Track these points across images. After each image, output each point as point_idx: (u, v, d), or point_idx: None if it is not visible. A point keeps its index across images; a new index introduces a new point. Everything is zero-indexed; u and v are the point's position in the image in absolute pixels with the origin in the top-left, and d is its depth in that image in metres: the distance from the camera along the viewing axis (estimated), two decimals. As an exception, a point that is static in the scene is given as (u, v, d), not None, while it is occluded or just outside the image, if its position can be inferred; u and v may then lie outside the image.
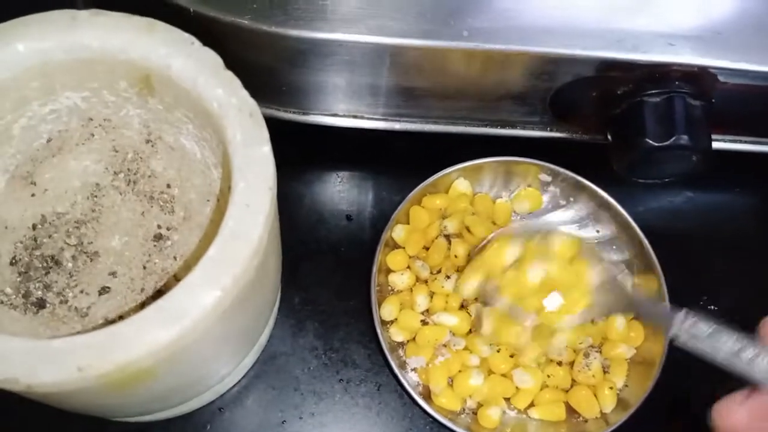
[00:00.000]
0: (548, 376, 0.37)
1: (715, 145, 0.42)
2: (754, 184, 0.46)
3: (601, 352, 0.38)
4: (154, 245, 0.32)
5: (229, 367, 0.33)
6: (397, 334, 0.38)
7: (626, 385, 0.37)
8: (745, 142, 0.42)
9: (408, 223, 0.40)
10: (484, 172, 0.40)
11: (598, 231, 0.41)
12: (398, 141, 0.42)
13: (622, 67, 0.36)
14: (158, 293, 0.31)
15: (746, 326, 0.40)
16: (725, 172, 0.45)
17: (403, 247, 0.39)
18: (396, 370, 0.35)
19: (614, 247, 0.41)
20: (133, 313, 0.30)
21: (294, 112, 0.40)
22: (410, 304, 0.38)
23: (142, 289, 0.31)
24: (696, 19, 0.36)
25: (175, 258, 0.32)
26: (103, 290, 0.31)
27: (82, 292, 0.31)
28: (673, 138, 0.35)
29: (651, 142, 0.35)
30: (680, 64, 0.35)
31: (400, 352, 0.38)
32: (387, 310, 0.38)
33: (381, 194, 0.43)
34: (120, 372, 0.23)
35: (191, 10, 0.34)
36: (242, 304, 0.26)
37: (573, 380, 0.37)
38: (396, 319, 0.38)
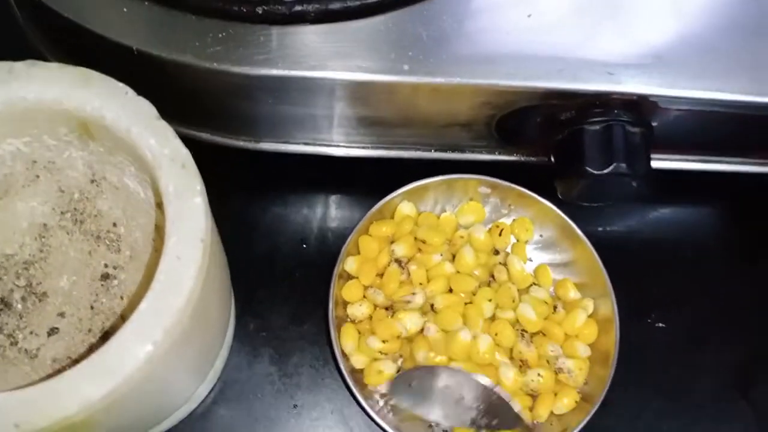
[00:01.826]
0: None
1: (662, 164, 0.43)
2: (707, 201, 0.47)
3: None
4: (101, 285, 0.33)
5: (180, 401, 0.34)
6: (357, 363, 0.38)
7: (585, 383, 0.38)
8: (693, 160, 0.43)
9: (358, 254, 0.40)
10: (427, 192, 0.41)
11: (541, 235, 0.42)
12: (351, 164, 0.43)
13: (564, 96, 0.36)
14: (105, 333, 0.32)
15: (693, 344, 0.42)
16: (677, 190, 0.46)
17: (357, 278, 0.40)
18: (362, 401, 0.36)
19: (558, 251, 0.42)
20: (80, 354, 0.32)
21: (246, 141, 0.41)
22: (368, 332, 0.38)
23: (89, 330, 0.32)
24: (637, 45, 0.37)
25: (121, 297, 0.33)
26: (52, 331, 0.32)
27: (31, 333, 0.32)
28: (612, 166, 0.36)
29: (590, 169, 0.36)
30: (619, 93, 0.36)
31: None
32: (348, 345, 0.38)
33: (336, 219, 0.43)
34: (56, 426, 0.24)
35: (134, 48, 0.35)
36: (181, 350, 0.27)
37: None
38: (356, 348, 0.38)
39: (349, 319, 0.39)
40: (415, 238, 0.40)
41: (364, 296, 0.39)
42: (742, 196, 0.46)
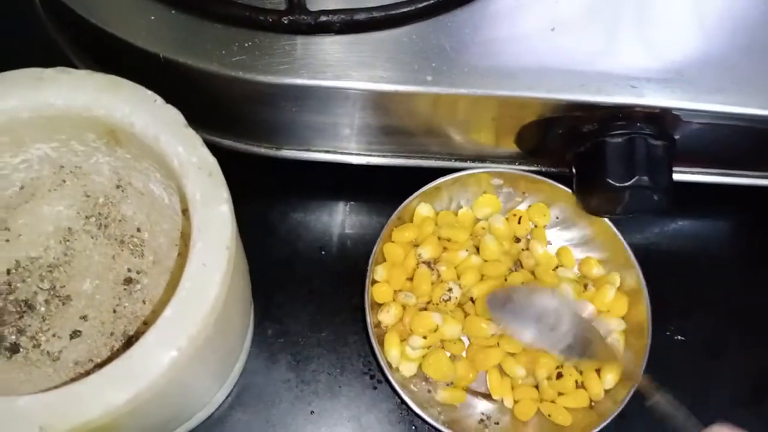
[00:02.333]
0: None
1: (683, 177, 0.43)
2: (726, 214, 0.46)
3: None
4: (124, 289, 0.33)
5: (199, 405, 0.34)
6: (406, 371, 0.39)
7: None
8: (713, 174, 0.43)
9: (385, 261, 0.40)
10: (441, 192, 0.41)
11: (557, 217, 0.43)
12: (371, 171, 0.43)
13: (586, 108, 0.36)
14: (127, 337, 0.32)
15: (711, 356, 0.42)
16: (696, 203, 0.46)
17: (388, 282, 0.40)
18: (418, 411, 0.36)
19: (576, 229, 0.42)
20: (102, 358, 0.32)
21: (267, 148, 0.41)
22: (406, 334, 0.39)
23: (112, 333, 0.32)
24: (659, 60, 0.37)
25: (144, 302, 0.33)
26: (75, 334, 0.32)
27: (54, 335, 0.32)
28: (634, 179, 0.36)
29: (612, 182, 0.36)
30: (642, 106, 0.36)
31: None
32: (392, 354, 0.38)
33: (354, 225, 0.44)
34: (80, 429, 0.24)
35: (161, 56, 0.35)
36: (203, 356, 0.27)
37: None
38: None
39: (382, 326, 0.39)
40: (439, 238, 0.41)
41: (394, 299, 0.40)
42: (761, 209, 0.46)
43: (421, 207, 0.41)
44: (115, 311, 0.33)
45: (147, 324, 0.33)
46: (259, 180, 0.44)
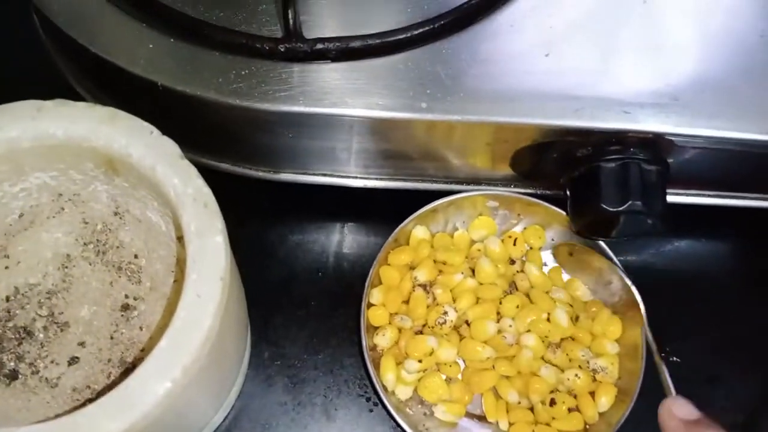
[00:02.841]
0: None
1: (678, 199, 0.43)
2: (724, 235, 0.46)
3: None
4: (122, 315, 0.34)
5: (196, 430, 0.34)
6: (401, 394, 0.39)
7: (619, 378, 0.39)
8: (708, 196, 0.43)
9: (381, 284, 0.41)
10: (437, 215, 0.42)
11: (552, 239, 0.43)
12: (368, 193, 0.43)
13: (580, 134, 0.37)
14: (124, 363, 0.33)
15: (707, 381, 0.42)
16: (693, 224, 0.46)
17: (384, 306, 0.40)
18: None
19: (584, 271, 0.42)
20: (99, 384, 0.32)
21: (265, 171, 0.42)
22: (402, 357, 0.39)
23: (109, 360, 0.33)
24: (653, 85, 0.37)
25: (141, 328, 0.33)
26: (73, 360, 0.33)
27: (52, 362, 0.33)
28: (628, 203, 0.36)
29: (606, 206, 0.36)
30: (636, 131, 0.36)
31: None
32: (388, 378, 0.38)
33: (351, 247, 0.44)
34: (76, 460, 0.25)
35: (159, 84, 0.35)
36: (198, 384, 0.27)
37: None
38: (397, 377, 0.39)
39: (378, 349, 0.39)
40: (435, 261, 0.41)
41: (390, 322, 0.40)
42: (758, 230, 0.46)
43: (417, 230, 0.42)
44: (112, 338, 0.33)
45: (144, 351, 0.33)
46: (256, 202, 0.44)
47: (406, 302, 0.40)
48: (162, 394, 0.25)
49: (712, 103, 0.37)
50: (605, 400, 0.38)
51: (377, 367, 0.38)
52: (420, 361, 0.38)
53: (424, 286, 0.41)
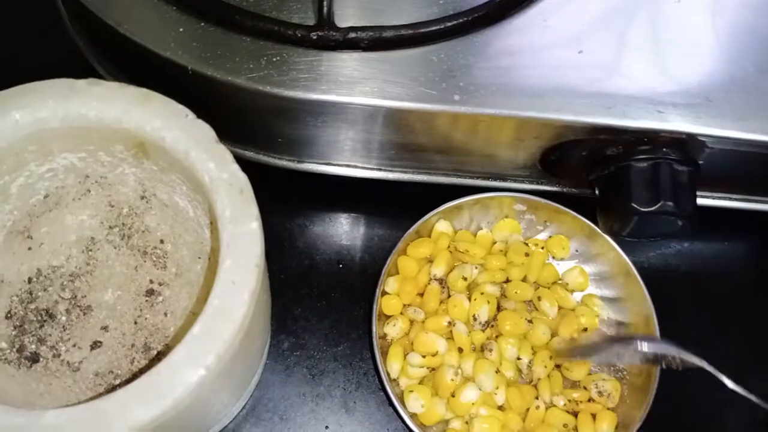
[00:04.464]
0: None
1: (705, 201, 0.43)
2: (744, 239, 0.46)
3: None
4: (146, 300, 0.33)
5: (218, 419, 0.34)
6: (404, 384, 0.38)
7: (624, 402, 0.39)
8: (734, 199, 0.43)
9: (398, 274, 0.40)
10: (462, 212, 0.41)
11: (577, 250, 0.42)
12: (392, 186, 0.43)
13: (612, 132, 0.36)
14: (148, 349, 0.32)
15: (735, 382, 0.42)
16: (715, 227, 0.45)
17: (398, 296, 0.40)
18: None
19: (595, 264, 0.42)
20: (122, 370, 0.32)
21: (289, 160, 0.41)
22: (410, 349, 0.39)
23: (133, 345, 0.32)
24: (686, 85, 0.37)
25: (165, 314, 0.33)
26: (95, 345, 0.32)
27: (74, 346, 0.32)
28: (659, 204, 0.36)
29: (636, 206, 0.36)
30: (668, 131, 0.36)
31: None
32: (393, 367, 0.38)
33: (373, 239, 0.44)
34: (104, 446, 0.24)
35: (189, 68, 0.35)
36: (228, 372, 0.27)
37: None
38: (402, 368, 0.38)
39: (388, 338, 0.39)
40: (454, 250, 0.40)
41: (402, 313, 0.39)
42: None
43: (439, 224, 0.41)
44: (136, 323, 0.33)
45: (169, 337, 0.32)
46: (279, 192, 0.44)
47: (421, 295, 0.40)
48: (195, 382, 0.25)
49: (745, 105, 0.37)
50: (606, 426, 0.37)
51: (384, 355, 0.38)
52: (423, 357, 0.38)
53: (440, 281, 0.40)
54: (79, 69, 0.41)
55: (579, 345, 0.39)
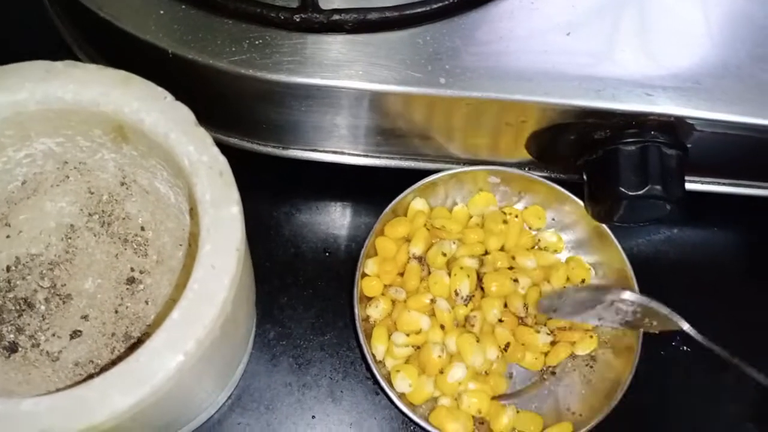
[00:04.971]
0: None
1: (693, 186, 0.42)
2: (734, 224, 0.46)
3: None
4: (127, 288, 0.33)
5: (202, 408, 0.33)
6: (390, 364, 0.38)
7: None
8: (723, 184, 0.43)
9: (377, 255, 0.40)
10: (437, 188, 0.41)
11: (553, 219, 0.42)
12: (377, 172, 0.42)
13: (600, 115, 0.36)
14: (129, 338, 0.32)
15: (719, 369, 0.41)
16: (704, 212, 0.45)
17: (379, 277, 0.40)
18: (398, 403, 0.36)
19: (572, 233, 0.42)
20: (102, 359, 0.31)
21: (274, 147, 0.41)
22: (394, 329, 0.38)
23: (113, 334, 0.32)
24: (675, 68, 0.36)
25: (146, 302, 0.32)
26: (75, 334, 0.31)
27: (53, 335, 0.31)
28: (647, 188, 0.35)
29: (624, 190, 0.36)
30: (657, 114, 0.36)
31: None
32: (378, 349, 0.38)
33: (360, 227, 0.43)
34: (83, 434, 0.24)
35: (170, 52, 0.34)
36: (209, 359, 0.26)
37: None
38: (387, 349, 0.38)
39: (371, 320, 0.39)
40: (431, 227, 0.40)
41: (384, 293, 0.39)
42: (769, 220, 0.46)
43: (415, 202, 0.41)
44: (116, 311, 0.32)
45: (150, 326, 0.32)
46: (263, 179, 0.43)
47: (401, 274, 0.40)
48: (174, 368, 0.24)
49: (734, 89, 0.36)
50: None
51: (369, 337, 0.38)
52: (407, 336, 0.37)
53: (419, 259, 0.40)
54: (58, 54, 0.40)
55: (561, 302, 0.38)
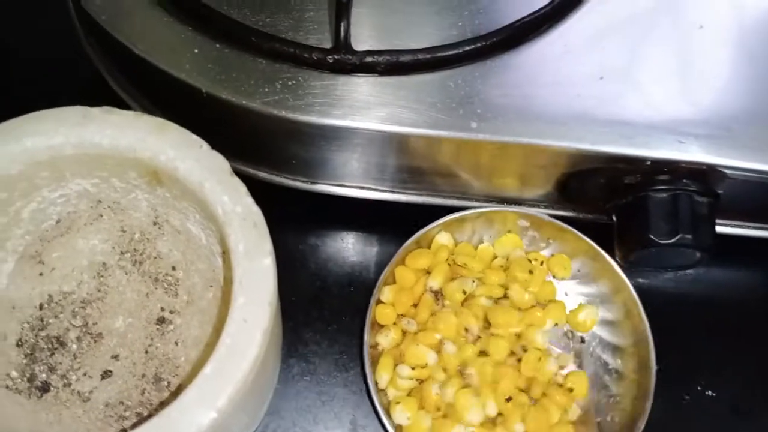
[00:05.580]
0: None
1: (721, 229, 0.42)
2: (761, 267, 0.45)
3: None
4: (157, 328, 0.33)
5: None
6: (392, 395, 0.38)
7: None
8: (753, 227, 0.42)
9: (395, 283, 0.40)
10: (464, 224, 0.41)
11: (579, 270, 0.41)
12: (404, 207, 0.42)
13: (631, 161, 0.36)
14: (158, 380, 0.32)
15: (745, 414, 0.41)
16: (731, 254, 0.45)
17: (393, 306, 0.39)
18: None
19: (606, 307, 0.41)
20: (132, 401, 0.31)
21: (302, 181, 0.41)
22: (400, 359, 0.38)
23: (143, 375, 0.32)
24: (708, 115, 0.36)
25: (176, 343, 0.33)
26: (106, 374, 0.32)
27: (85, 374, 0.32)
28: (678, 237, 0.35)
29: (654, 238, 0.35)
30: (689, 162, 0.35)
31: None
32: (382, 377, 0.38)
33: (384, 262, 0.43)
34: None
35: (204, 91, 0.34)
36: (239, 410, 0.27)
37: None
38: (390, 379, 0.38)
39: (379, 348, 0.39)
40: (452, 263, 0.40)
41: (395, 323, 0.39)
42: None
43: (440, 235, 0.41)
44: (147, 351, 0.32)
45: (179, 367, 0.32)
46: (291, 212, 0.43)
47: (416, 305, 0.39)
48: (206, 425, 0.24)
49: (766, 137, 0.36)
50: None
51: (375, 364, 0.38)
52: (413, 369, 0.37)
53: (436, 293, 0.40)
54: (96, 89, 0.41)
55: None
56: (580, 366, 0.39)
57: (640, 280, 0.43)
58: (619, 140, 0.35)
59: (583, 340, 0.40)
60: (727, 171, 0.36)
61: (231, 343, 0.25)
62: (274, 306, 0.26)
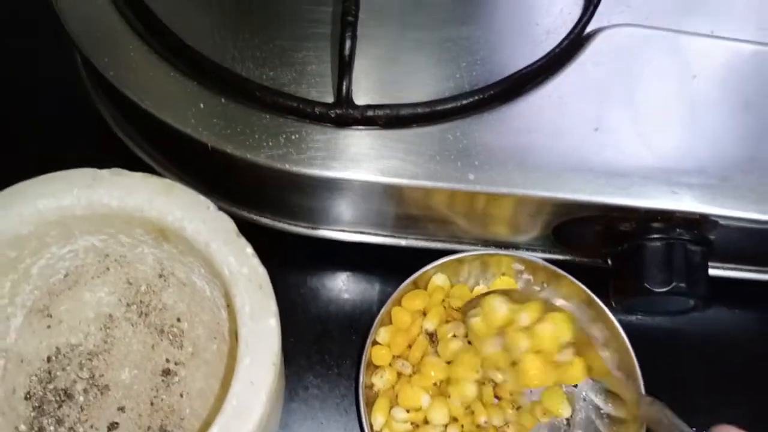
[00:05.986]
0: None
1: (716, 272, 0.43)
2: (755, 308, 0.46)
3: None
4: (162, 380, 0.33)
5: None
6: None
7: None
8: (747, 270, 0.43)
9: (391, 324, 0.40)
10: (461, 266, 0.41)
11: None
12: (405, 252, 0.43)
13: (626, 211, 0.36)
14: None
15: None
16: (724, 296, 0.45)
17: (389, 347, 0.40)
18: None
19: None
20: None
21: (304, 227, 0.42)
22: (395, 401, 0.38)
23: (149, 427, 0.32)
24: (702, 165, 0.37)
25: (181, 395, 0.33)
26: (112, 426, 0.32)
27: (92, 427, 0.32)
28: (672, 285, 0.36)
29: (649, 287, 0.36)
30: (683, 212, 0.36)
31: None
32: (377, 419, 0.38)
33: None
34: None
35: (209, 145, 0.35)
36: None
37: None
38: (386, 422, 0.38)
39: (374, 389, 0.39)
40: (446, 307, 0.40)
41: (391, 364, 0.39)
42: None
43: (436, 276, 0.41)
44: (152, 403, 0.33)
45: (184, 419, 0.33)
46: (293, 256, 0.44)
47: (411, 346, 0.40)
48: (213, 486, 0.25)
49: (761, 186, 0.37)
50: None
51: (369, 405, 0.38)
52: (408, 412, 0.38)
53: (431, 335, 0.40)
54: (105, 142, 0.42)
55: None
56: (572, 410, 0.40)
57: (634, 319, 0.43)
58: (615, 192, 0.36)
59: (575, 384, 0.41)
60: (720, 220, 0.36)
61: (237, 404, 0.26)
62: (278, 366, 0.27)
